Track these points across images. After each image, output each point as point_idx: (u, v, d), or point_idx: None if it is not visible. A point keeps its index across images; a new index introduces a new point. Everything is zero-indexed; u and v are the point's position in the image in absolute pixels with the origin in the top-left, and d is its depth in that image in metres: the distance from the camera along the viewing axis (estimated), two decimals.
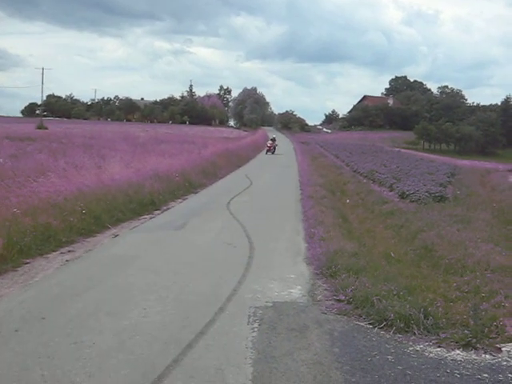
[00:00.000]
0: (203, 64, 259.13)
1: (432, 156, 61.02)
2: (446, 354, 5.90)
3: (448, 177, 30.96)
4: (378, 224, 17.16)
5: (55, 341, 5.66)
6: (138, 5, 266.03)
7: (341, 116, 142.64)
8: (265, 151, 48.33)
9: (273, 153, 47.42)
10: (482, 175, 40.31)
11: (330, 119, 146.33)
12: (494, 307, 9.08)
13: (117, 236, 11.68)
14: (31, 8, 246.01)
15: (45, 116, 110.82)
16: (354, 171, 34.41)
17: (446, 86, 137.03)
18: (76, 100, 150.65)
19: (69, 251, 10.05)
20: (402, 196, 21.79)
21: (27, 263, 9.02)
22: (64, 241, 10.57)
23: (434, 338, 6.32)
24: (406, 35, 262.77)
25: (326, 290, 8.12)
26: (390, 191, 24.04)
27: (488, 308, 8.89)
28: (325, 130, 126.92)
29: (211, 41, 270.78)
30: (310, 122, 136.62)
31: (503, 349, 6.13)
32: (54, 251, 9.92)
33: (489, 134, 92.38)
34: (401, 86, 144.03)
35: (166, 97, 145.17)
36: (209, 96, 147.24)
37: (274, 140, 50.97)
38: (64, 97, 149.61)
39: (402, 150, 64.97)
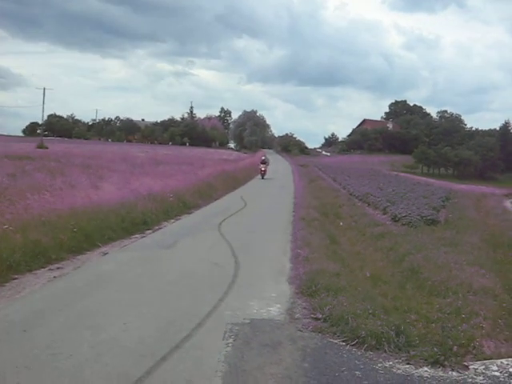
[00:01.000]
0: (205, 86, 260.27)
1: (430, 180, 61.23)
2: (414, 371, 6.09)
3: (442, 201, 31.16)
4: (368, 246, 17.35)
5: (34, 352, 5.88)
6: (140, 27, 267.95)
7: (340, 139, 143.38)
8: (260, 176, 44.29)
9: (263, 177, 43.52)
10: (478, 199, 40.49)
11: (330, 142, 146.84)
12: (473, 328, 9.28)
13: (106, 254, 11.90)
14: (35, 28, 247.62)
15: (46, 135, 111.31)
16: (350, 194, 34.59)
17: (446, 111, 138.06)
18: (77, 120, 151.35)
19: (57, 268, 10.27)
20: (395, 219, 21.98)
21: (15, 279, 9.24)
22: (53, 258, 10.79)
23: (404, 355, 6.52)
24: (406, 60, 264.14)
25: (304, 308, 8.32)
26: (384, 214, 24.23)
27: (467, 329, 9.09)
28: (324, 153, 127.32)
29: (213, 63, 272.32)
30: (310, 145, 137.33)
31: (471, 366, 6.32)
32: (42, 268, 10.14)
33: (487, 159, 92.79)
34: (400, 110, 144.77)
35: (166, 118, 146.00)
36: (209, 118, 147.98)
37: (265, 162, 46.31)
38: (65, 117, 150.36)
39: (400, 174, 65.26)
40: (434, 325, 8.80)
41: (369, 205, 28.33)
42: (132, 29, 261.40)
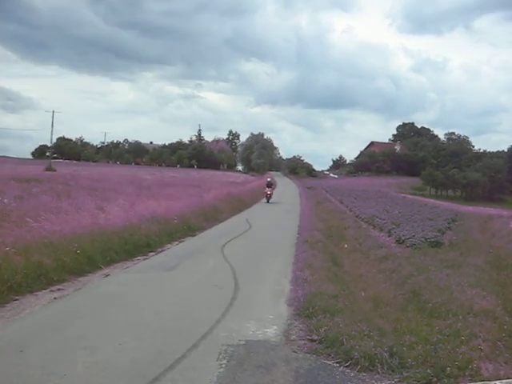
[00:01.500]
0: (213, 108, 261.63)
1: (437, 202, 61.09)
2: None
3: (448, 223, 31.14)
4: (371, 268, 17.37)
5: (29, 372, 5.96)
6: (149, 50, 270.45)
7: (348, 161, 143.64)
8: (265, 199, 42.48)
9: (268, 201, 41.86)
10: (485, 221, 40.32)
11: (338, 164, 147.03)
12: (472, 350, 9.29)
13: (108, 276, 11.98)
14: (45, 51, 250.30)
15: (54, 158, 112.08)
16: (356, 216, 34.63)
17: (453, 133, 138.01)
18: (86, 143, 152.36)
19: (58, 289, 10.36)
20: (399, 241, 22.01)
21: (16, 300, 9.34)
22: (55, 279, 10.87)
23: (397, 376, 6.55)
24: (414, 82, 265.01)
25: (301, 330, 8.36)
26: (388, 236, 24.25)
27: (465, 351, 9.11)
28: (332, 175, 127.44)
29: (221, 86, 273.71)
30: (318, 167, 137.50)
31: None
32: (44, 289, 10.23)
33: (495, 181, 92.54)
34: (408, 133, 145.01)
35: (174, 141, 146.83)
36: (217, 141, 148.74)
37: (271, 185, 44.53)
38: (74, 139, 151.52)
39: (408, 196, 65.21)
40: (433, 347, 8.82)
41: (374, 227, 28.37)
42: (140, 52, 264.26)
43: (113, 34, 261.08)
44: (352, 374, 6.58)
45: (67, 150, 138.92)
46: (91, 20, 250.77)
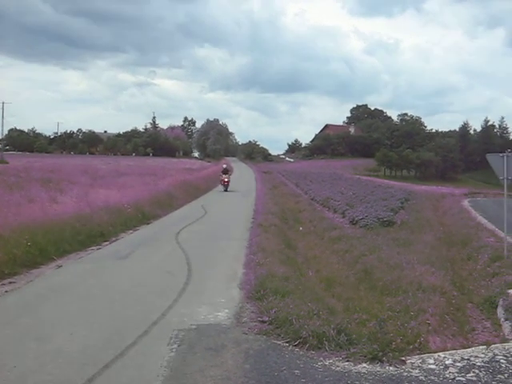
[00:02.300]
0: (167, 95, 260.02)
1: (391, 182, 61.90)
2: (352, 368, 6.29)
3: (401, 202, 31.59)
4: (325, 250, 17.65)
5: None
6: (101, 37, 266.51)
7: (303, 145, 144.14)
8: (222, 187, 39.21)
9: (226, 189, 38.56)
10: (437, 200, 41.09)
11: (293, 148, 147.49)
12: (420, 325, 9.58)
13: (60, 267, 11.94)
14: None
15: (6, 150, 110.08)
16: (312, 199, 34.95)
17: (406, 114, 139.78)
18: (38, 134, 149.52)
19: (10, 282, 10.30)
20: (352, 222, 22.37)
21: None
22: (6, 273, 10.79)
23: (344, 353, 6.72)
24: (367, 64, 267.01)
25: (252, 312, 8.49)
26: (343, 217, 24.64)
27: (415, 326, 9.38)
28: (287, 159, 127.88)
29: (175, 72, 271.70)
30: (274, 152, 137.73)
31: (408, 361, 6.54)
32: None
33: (448, 160, 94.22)
34: (362, 115, 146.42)
35: (129, 129, 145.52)
36: (172, 128, 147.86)
37: (228, 171, 40.99)
38: (26, 131, 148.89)
39: (363, 178, 65.82)
40: (378, 323, 9.05)
41: (329, 209, 28.73)
42: (92, 40, 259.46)
43: (63, 22, 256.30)
44: (301, 353, 6.73)
45: (19, 142, 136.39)
46: (40, 8, 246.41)
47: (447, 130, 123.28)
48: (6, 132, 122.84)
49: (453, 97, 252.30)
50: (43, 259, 12.39)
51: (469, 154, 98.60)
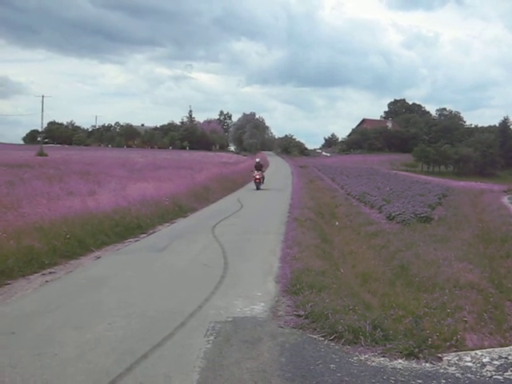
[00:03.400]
0: (204, 89, 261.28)
1: (429, 178, 61.39)
2: (388, 363, 6.27)
3: (439, 198, 31.38)
4: (361, 245, 17.62)
5: (20, 353, 6.10)
6: (138, 31, 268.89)
7: (340, 139, 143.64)
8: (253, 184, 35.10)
9: (258, 187, 34.15)
10: (475, 196, 40.63)
11: (330, 143, 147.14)
12: (457, 322, 9.53)
13: (99, 258, 12.16)
14: (32, 35, 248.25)
15: (46, 143, 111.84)
16: (348, 194, 34.86)
17: (445, 109, 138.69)
18: (77, 127, 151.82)
19: (50, 273, 10.52)
20: (389, 217, 22.22)
21: (8, 284, 9.51)
22: (47, 263, 11.04)
23: (380, 348, 6.70)
24: (405, 58, 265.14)
25: (288, 306, 8.49)
26: (379, 213, 24.51)
27: (451, 323, 9.34)
28: (324, 153, 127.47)
29: (212, 66, 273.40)
30: (310, 146, 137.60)
31: (444, 358, 6.50)
32: (35, 273, 10.41)
33: (487, 156, 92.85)
34: (400, 109, 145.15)
35: (166, 122, 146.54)
36: (209, 121, 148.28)
37: (261, 167, 36.35)
38: (65, 124, 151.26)
39: (400, 173, 65.41)
40: (414, 319, 9.01)
41: (365, 204, 28.62)
42: (129, 34, 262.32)
43: (100, 16, 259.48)
44: (336, 347, 6.73)
45: (58, 135, 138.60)
46: (78, 1, 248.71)
47: (487, 125, 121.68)
48: (45, 125, 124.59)
49: (493, 91, 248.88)
50: (82, 250, 12.65)
51: (509, 150, 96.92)
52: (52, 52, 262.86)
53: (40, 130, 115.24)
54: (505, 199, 37.71)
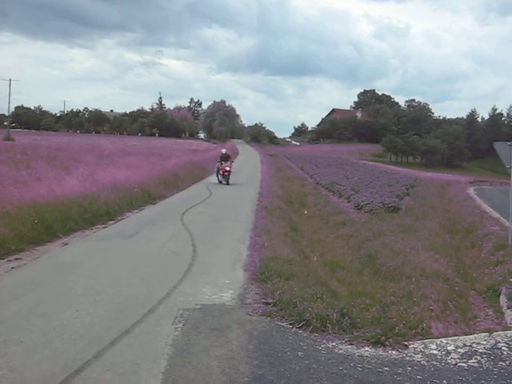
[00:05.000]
0: (174, 76, 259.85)
1: (397, 168, 61.97)
2: (355, 351, 6.34)
3: (406, 188, 31.68)
4: (329, 234, 17.73)
5: None
6: (108, 16, 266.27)
7: (310, 129, 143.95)
8: (217, 174, 30.80)
9: (227, 182, 29.92)
10: (442, 187, 41.15)
11: (299, 132, 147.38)
12: (423, 310, 9.65)
13: (66, 245, 12.01)
14: None
15: (13, 127, 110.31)
16: (317, 183, 35.02)
17: (414, 100, 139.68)
18: (45, 111, 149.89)
19: (16, 259, 10.36)
20: (358, 207, 22.41)
21: None
22: (13, 249, 10.85)
23: (347, 336, 6.77)
24: (376, 49, 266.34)
25: (256, 293, 8.52)
26: (348, 202, 24.71)
27: (417, 311, 9.45)
28: (294, 142, 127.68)
29: (182, 53, 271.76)
30: (280, 135, 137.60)
31: (410, 346, 6.59)
32: (1, 259, 10.21)
33: (454, 147, 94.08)
34: (369, 100, 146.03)
35: (135, 109, 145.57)
36: (179, 108, 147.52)
37: (228, 158, 31.69)
38: (33, 108, 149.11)
39: (368, 163, 65.86)
40: (382, 308, 9.13)
41: (334, 193, 28.80)
42: (99, 18, 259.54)
43: (70, 0, 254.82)
44: (304, 335, 6.78)
45: (26, 119, 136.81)
46: None
47: (455, 117, 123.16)
48: (12, 109, 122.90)
49: (461, 84, 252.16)
50: (49, 237, 12.46)
51: (476, 142, 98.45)
52: (19, 35, 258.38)
53: (7, 114, 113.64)
54: (471, 190, 38.31)
